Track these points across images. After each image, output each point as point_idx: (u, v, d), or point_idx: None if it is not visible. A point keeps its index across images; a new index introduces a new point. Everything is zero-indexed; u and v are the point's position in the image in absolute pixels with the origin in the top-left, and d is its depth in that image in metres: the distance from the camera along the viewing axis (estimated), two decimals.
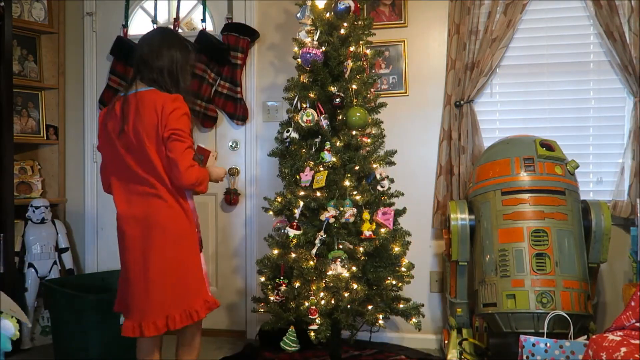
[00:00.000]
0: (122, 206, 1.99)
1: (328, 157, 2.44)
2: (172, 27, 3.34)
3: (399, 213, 2.61)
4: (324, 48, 2.52)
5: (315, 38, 2.53)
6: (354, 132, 2.48)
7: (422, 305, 2.61)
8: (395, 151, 2.64)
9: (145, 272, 1.93)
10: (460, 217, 2.65)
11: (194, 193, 2.11)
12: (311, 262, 2.36)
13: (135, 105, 1.90)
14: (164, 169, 1.90)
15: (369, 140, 2.53)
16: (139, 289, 1.95)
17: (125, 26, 3.49)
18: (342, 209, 2.37)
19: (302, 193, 2.46)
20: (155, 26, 3.43)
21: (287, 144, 2.61)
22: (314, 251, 2.38)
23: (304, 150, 2.52)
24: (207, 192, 2.07)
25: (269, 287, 2.49)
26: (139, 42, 2.03)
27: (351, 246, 2.43)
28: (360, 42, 2.59)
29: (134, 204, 1.95)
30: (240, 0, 3.39)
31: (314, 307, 2.30)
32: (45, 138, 3.57)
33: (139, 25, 3.58)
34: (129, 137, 1.90)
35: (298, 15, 2.63)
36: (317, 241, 2.39)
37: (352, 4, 2.51)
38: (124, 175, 1.97)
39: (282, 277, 2.43)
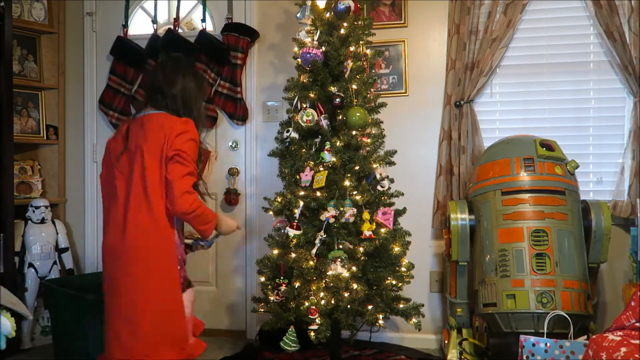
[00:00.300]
0: (106, 234, 1.84)
1: (328, 157, 2.44)
2: (172, 27, 3.34)
3: (399, 213, 2.61)
4: (324, 48, 2.52)
5: (315, 38, 2.53)
6: (354, 132, 2.48)
7: (422, 305, 2.61)
8: (395, 151, 2.64)
9: (112, 309, 1.78)
10: (460, 217, 2.65)
11: (196, 244, 1.99)
12: (311, 262, 2.36)
13: (141, 124, 1.82)
14: (159, 192, 1.74)
15: (369, 140, 2.53)
16: (107, 326, 1.81)
17: (125, 26, 3.49)
18: (342, 209, 2.37)
19: (302, 193, 2.46)
20: (155, 26, 3.44)
21: (287, 144, 2.61)
22: (314, 251, 2.38)
23: (304, 150, 2.52)
24: (209, 237, 1.90)
25: (269, 287, 2.49)
26: (153, 69, 1.97)
27: (351, 246, 2.43)
28: (360, 42, 2.59)
29: (117, 231, 1.79)
30: (240, 0, 3.40)
31: (314, 307, 2.30)
32: (45, 138, 3.57)
33: (139, 25, 3.58)
34: (130, 156, 1.80)
35: (298, 15, 2.63)
36: (317, 241, 2.39)
37: (352, 4, 2.51)
38: (117, 202, 1.81)
39: (282, 277, 2.43)
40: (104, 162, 1.92)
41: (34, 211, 3.25)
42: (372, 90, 2.65)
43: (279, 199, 2.55)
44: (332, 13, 2.53)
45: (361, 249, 2.41)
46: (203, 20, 3.38)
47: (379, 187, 2.55)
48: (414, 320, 2.53)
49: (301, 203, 2.43)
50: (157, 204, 1.75)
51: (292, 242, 2.41)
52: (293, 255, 2.40)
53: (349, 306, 2.36)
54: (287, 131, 2.58)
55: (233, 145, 3.42)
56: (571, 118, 3.04)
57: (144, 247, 1.76)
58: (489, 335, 2.62)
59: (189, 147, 1.75)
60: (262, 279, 2.57)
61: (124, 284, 1.77)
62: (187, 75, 1.91)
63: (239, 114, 3.36)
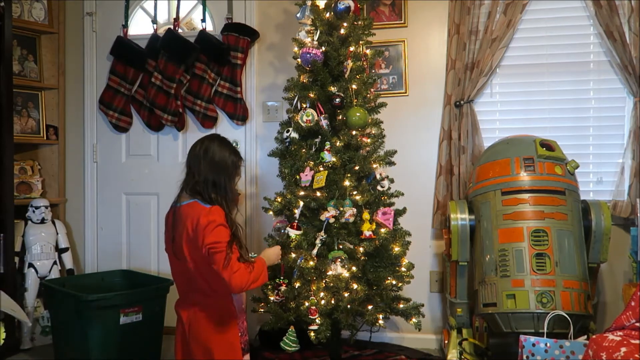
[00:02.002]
0: (179, 308, 1.99)
1: (328, 157, 2.44)
2: (172, 27, 3.34)
3: (399, 213, 2.61)
4: (323, 48, 2.52)
5: (315, 38, 2.53)
6: (354, 132, 2.48)
7: (422, 305, 2.61)
8: (395, 151, 2.64)
9: None
10: (460, 217, 2.65)
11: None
12: (311, 262, 2.35)
13: (177, 216, 1.92)
14: (203, 278, 1.88)
15: (369, 140, 2.52)
16: None
17: (125, 26, 3.49)
18: (342, 209, 2.37)
19: (302, 193, 2.45)
20: (155, 26, 3.44)
21: (287, 144, 2.61)
22: (314, 251, 2.38)
23: (304, 150, 2.52)
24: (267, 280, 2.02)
25: (269, 287, 2.49)
26: (191, 150, 1.97)
27: (351, 246, 2.43)
28: (360, 42, 2.59)
29: (184, 309, 1.96)
30: (240, 0, 3.40)
31: (314, 307, 2.30)
32: (45, 138, 3.57)
33: (139, 25, 3.58)
34: (175, 245, 1.92)
35: (298, 15, 2.63)
36: (317, 241, 2.39)
37: (352, 4, 2.51)
38: (177, 281, 1.99)
39: (282, 277, 2.43)
40: (165, 235, 2.03)
41: (34, 211, 3.26)
42: (372, 90, 2.65)
43: (279, 199, 2.55)
44: (332, 13, 2.53)
45: (361, 249, 2.41)
46: (203, 20, 3.38)
47: (379, 187, 2.55)
48: (414, 320, 2.53)
49: (301, 203, 2.43)
50: (210, 288, 1.88)
51: (292, 243, 2.41)
52: (293, 255, 2.40)
53: (349, 306, 2.36)
54: (287, 131, 2.58)
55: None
56: (571, 118, 3.04)
57: (207, 327, 1.90)
58: (489, 335, 2.62)
59: (216, 235, 1.81)
60: None
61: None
62: (217, 158, 1.93)
63: (239, 114, 3.36)
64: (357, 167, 2.48)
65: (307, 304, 2.32)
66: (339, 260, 2.35)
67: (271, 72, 3.38)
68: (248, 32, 3.31)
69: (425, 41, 3.18)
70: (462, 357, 2.59)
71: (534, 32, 3.07)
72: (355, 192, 2.45)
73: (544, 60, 3.06)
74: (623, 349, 1.62)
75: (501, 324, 2.41)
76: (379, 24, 3.13)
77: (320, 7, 2.55)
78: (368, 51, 2.65)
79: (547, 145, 2.56)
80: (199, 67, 3.35)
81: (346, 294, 2.33)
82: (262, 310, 2.54)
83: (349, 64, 2.49)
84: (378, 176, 2.55)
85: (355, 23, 2.58)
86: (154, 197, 3.51)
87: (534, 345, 2.12)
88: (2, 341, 1.84)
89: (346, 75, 2.50)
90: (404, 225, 2.64)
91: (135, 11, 3.56)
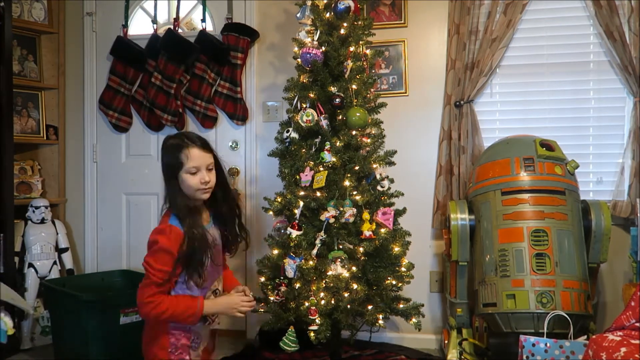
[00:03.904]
0: None
1: (328, 157, 2.44)
2: (172, 27, 3.34)
3: (399, 213, 2.61)
4: (323, 48, 2.52)
5: (315, 38, 2.53)
6: (354, 132, 2.48)
7: (422, 305, 2.60)
8: (395, 151, 2.64)
9: None
10: (460, 217, 2.65)
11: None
12: (311, 263, 2.35)
13: None
14: None
15: (369, 140, 2.52)
16: None
17: (125, 26, 3.49)
18: (342, 209, 2.37)
19: (302, 193, 2.45)
20: (155, 26, 3.44)
21: (287, 144, 2.61)
22: (314, 251, 2.38)
23: (304, 150, 2.52)
24: (195, 323, 1.75)
25: (269, 287, 2.49)
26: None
27: (351, 246, 2.43)
28: (360, 42, 2.59)
29: None
30: (240, 0, 3.40)
31: (314, 307, 2.30)
32: (45, 138, 3.57)
33: (139, 25, 3.58)
34: None
35: (298, 15, 2.63)
36: (317, 241, 2.39)
37: (352, 4, 2.51)
38: None
39: (282, 277, 2.43)
40: None
41: (34, 211, 3.26)
42: (372, 90, 2.65)
43: (279, 199, 2.55)
44: (332, 13, 2.53)
45: (361, 249, 2.41)
46: (203, 20, 3.38)
47: (379, 187, 2.55)
48: (414, 320, 2.53)
49: (301, 203, 2.43)
50: None
51: (292, 243, 2.41)
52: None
53: (349, 306, 2.36)
54: (287, 131, 2.58)
55: (233, 145, 3.42)
56: (571, 118, 3.04)
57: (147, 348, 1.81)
58: (489, 335, 2.62)
59: (153, 258, 1.72)
60: (262, 279, 2.57)
61: None
62: (163, 166, 1.77)
63: (239, 114, 3.36)
64: (357, 167, 2.48)
65: (307, 304, 2.32)
66: (339, 260, 2.35)
67: (271, 72, 3.38)
68: (248, 32, 3.31)
69: (425, 41, 3.18)
70: (462, 357, 2.59)
71: (534, 32, 3.07)
72: (355, 192, 2.45)
73: (544, 60, 3.06)
74: (623, 349, 1.62)
75: (501, 324, 2.41)
76: (379, 24, 3.13)
77: (320, 7, 2.55)
78: (368, 51, 2.65)
79: (547, 145, 2.56)
80: (199, 67, 3.35)
81: (346, 294, 2.33)
82: (262, 310, 2.54)
83: (349, 64, 2.49)
84: (378, 176, 2.55)
85: (355, 23, 2.58)
86: (154, 197, 3.51)
87: (534, 345, 2.12)
88: (13, 330, 1.82)
89: (346, 76, 2.50)
90: (404, 225, 2.64)
91: (135, 11, 3.57)
